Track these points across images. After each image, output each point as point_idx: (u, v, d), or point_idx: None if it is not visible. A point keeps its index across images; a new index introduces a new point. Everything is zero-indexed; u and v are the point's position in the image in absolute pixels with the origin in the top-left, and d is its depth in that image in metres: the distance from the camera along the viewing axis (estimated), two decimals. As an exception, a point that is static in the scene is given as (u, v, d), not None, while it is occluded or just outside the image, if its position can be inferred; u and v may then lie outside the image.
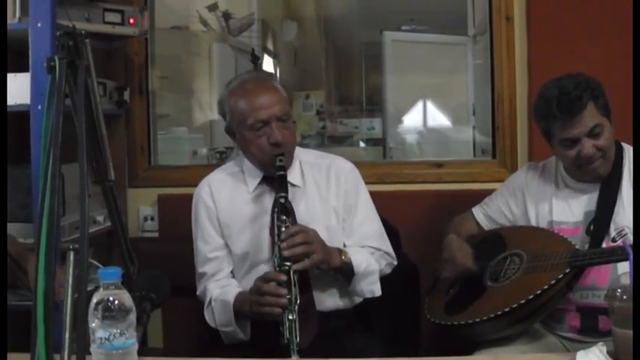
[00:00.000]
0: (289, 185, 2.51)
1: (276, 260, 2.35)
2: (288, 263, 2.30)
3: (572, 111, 2.35)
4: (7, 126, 2.41)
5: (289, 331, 2.23)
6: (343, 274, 2.51)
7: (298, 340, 2.22)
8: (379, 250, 2.62)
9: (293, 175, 2.59)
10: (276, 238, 2.38)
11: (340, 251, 2.50)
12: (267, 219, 2.52)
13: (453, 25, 5.79)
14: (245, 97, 2.49)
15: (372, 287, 2.55)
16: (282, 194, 2.40)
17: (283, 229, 2.35)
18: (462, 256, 2.53)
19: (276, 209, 2.40)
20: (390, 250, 2.67)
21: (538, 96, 2.47)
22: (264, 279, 2.33)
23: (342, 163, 2.73)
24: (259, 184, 2.59)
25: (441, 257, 2.60)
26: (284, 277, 2.29)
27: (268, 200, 2.54)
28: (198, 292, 2.63)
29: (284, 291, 2.26)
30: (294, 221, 2.44)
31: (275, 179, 2.46)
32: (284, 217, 2.37)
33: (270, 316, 2.29)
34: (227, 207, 2.60)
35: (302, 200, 2.59)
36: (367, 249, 2.59)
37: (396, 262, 2.68)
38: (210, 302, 2.54)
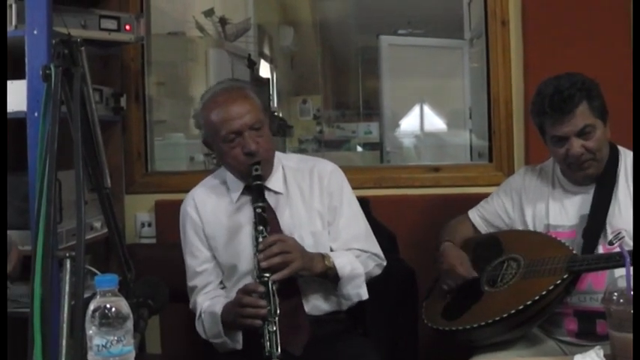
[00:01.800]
0: (272, 193, 2.53)
1: (255, 272, 2.37)
2: (267, 274, 2.31)
3: (564, 109, 2.36)
4: (6, 134, 2.41)
5: (270, 343, 2.23)
6: (329, 278, 2.49)
7: (279, 351, 2.22)
8: (366, 251, 2.60)
9: (275, 182, 2.58)
10: (253, 249, 2.39)
11: (323, 256, 2.49)
12: (249, 229, 2.51)
13: (449, 29, 5.81)
14: (216, 109, 2.48)
15: (358, 290, 2.52)
16: (259, 204, 2.41)
17: (261, 239, 2.36)
18: (461, 266, 2.53)
19: (254, 220, 2.42)
20: (378, 250, 2.64)
21: (535, 92, 2.48)
22: (244, 290, 2.34)
23: (324, 165, 2.71)
24: (242, 194, 2.58)
25: (440, 268, 2.60)
26: (262, 289, 2.29)
27: (250, 210, 2.51)
28: (190, 306, 2.63)
29: (262, 302, 2.27)
30: (275, 230, 2.44)
31: (251, 188, 2.46)
32: (261, 228, 2.38)
33: (252, 327, 2.29)
34: (212, 219, 2.60)
35: (286, 207, 2.58)
36: (353, 251, 2.56)
37: (385, 263, 2.65)
38: (200, 315, 2.55)
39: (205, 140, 2.60)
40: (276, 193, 2.56)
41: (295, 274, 2.39)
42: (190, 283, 2.62)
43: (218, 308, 2.47)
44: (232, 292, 2.51)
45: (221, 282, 2.61)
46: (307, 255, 2.44)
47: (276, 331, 2.24)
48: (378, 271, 2.63)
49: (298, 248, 2.42)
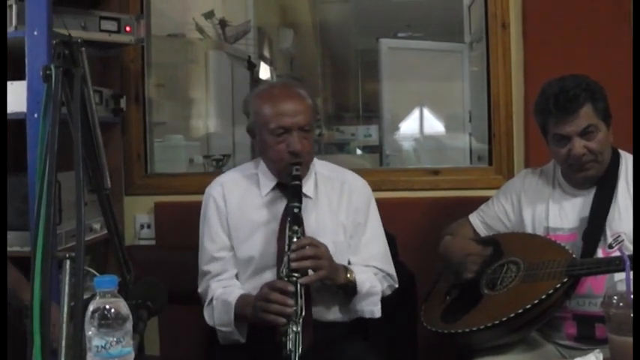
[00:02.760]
0: (302, 195, 2.50)
1: (284, 270, 2.34)
2: (296, 274, 2.30)
3: (568, 108, 2.36)
4: (6, 134, 2.41)
5: (292, 342, 2.22)
6: (346, 291, 2.50)
7: (300, 352, 2.21)
8: (382, 271, 2.61)
9: (307, 186, 2.58)
10: (286, 247, 2.37)
11: (346, 269, 2.50)
12: (276, 226, 2.52)
13: (449, 32, 5.81)
14: (271, 100, 2.50)
15: (372, 308, 2.54)
16: (296, 204, 2.40)
17: (295, 239, 2.35)
18: (470, 265, 2.54)
19: (289, 219, 2.40)
20: (393, 272, 2.66)
21: (540, 91, 2.48)
22: (272, 287, 2.32)
23: (355, 179, 2.72)
24: (272, 189, 2.59)
25: (448, 263, 2.61)
26: (292, 288, 2.28)
27: (280, 207, 2.53)
28: (199, 290, 2.62)
29: (291, 301, 2.26)
30: (304, 232, 2.43)
31: (289, 188, 2.46)
32: (296, 228, 2.36)
33: (274, 324, 2.28)
34: (237, 209, 2.60)
35: (313, 212, 2.58)
36: (371, 269, 2.58)
37: (397, 285, 2.67)
38: (211, 301, 2.53)
39: (250, 128, 2.59)
40: (305, 196, 2.55)
41: (320, 281, 2.40)
42: (204, 267, 2.61)
43: (232, 298, 2.47)
44: (247, 284, 2.53)
45: (236, 274, 2.60)
46: (334, 265, 2.45)
47: (299, 332, 2.23)
48: (388, 292, 2.64)
49: (328, 256, 2.42)
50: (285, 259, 2.34)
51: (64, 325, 1.56)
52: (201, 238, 2.65)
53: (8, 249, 2.47)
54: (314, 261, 2.34)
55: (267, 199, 2.59)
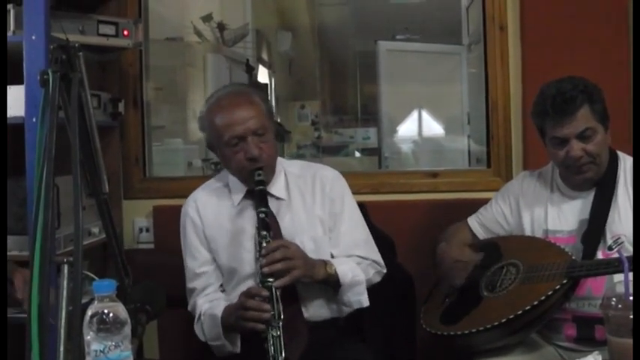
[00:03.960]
0: (274, 198, 2.52)
1: (258, 276, 2.36)
2: (270, 279, 2.30)
3: (566, 111, 2.36)
4: (6, 139, 2.41)
5: (274, 347, 2.23)
6: (330, 285, 2.50)
7: (283, 356, 2.22)
8: (366, 259, 2.60)
9: (277, 188, 2.59)
10: (257, 253, 2.38)
11: (325, 263, 2.49)
12: (250, 233, 2.51)
13: (447, 35, 5.82)
14: (220, 112, 2.48)
15: (359, 298, 2.52)
16: (262, 209, 2.40)
17: (264, 244, 2.35)
18: (458, 271, 2.54)
19: (256, 225, 2.41)
20: (379, 258, 2.64)
21: (538, 93, 2.47)
22: (248, 294, 2.33)
23: (326, 171, 2.71)
24: (243, 198, 2.58)
25: (439, 271, 2.61)
26: (266, 293, 2.28)
27: (252, 214, 2.52)
28: (189, 308, 2.63)
29: (267, 307, 2.26)
30: (276, 235, 2.43)
31: (254, 193, 2.46)
32: (264, 233, 2.36)
33: (254, 331, 2.28)
34: (212, 222, 2.60)
35: (287, 213, 2.58)
36: (354, 258, 2.57)
37: (385, 270, 2.65)
38: (199, 317, 2.54)
39: (209, 143, 2.60)
40: (277, 198, 2.56)
41: (297, 280, 2.39)
42: (190, 285, 2.61)
43: (218, 311, 2.46)
44: (232, 295, 2.52)
45: (221, 285, 2.61)
46: (309, 261, 2.44)
47: (280, 335, 2.24)
48: (377, 279, 2.63)
49: (301, 255, 2.42)
50: (258, 265, 2.36)
51: (62, 330, 1.55)
52: (184, 257, 2.65)
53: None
54: (285, 262, 2.33)
55: (240, 208, 2.59)
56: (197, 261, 2.60)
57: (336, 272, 2.47)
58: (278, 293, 2.29)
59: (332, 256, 2.57)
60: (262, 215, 2.39)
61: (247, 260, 2.51)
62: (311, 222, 2.59)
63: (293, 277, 2.35)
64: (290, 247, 2.39)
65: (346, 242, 2.61)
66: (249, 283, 2.48)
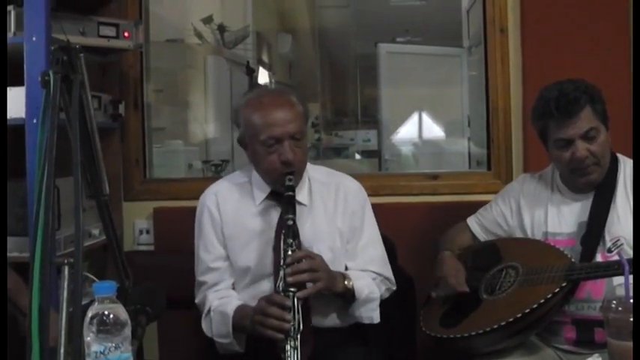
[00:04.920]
0: (297, 203, 2.44)
1: (280, 284, 2.29)
2: (292, 289, 2.26)
3: (570, 111, 2.36)
4: (6, 140, 2.41)
5: (291, 358, 2.18)
6: (344, 298, 2.48)
7: None
8: (380, 275, 2.59)
9: (301, 194, 2.54)
10: (281, 261, 2.32)
11: (344, 276, 2.47)
12: (271, 234, 2.48)
13: (448, 37, 5.83)
14: (260, 110, 2.43)
15: (371, 314, 2.51)
16: (290, 216, 2.34)
17: (290, 252, 2.30)
18: (454, 277, 2.53)
19: (283, 231, 2.35)
20: (391, 275, 2.63)
21: (538, 96, 2.48)
22: (270, 301, 2.28)
23: (350, 183, 2.68)
24: (266, 198, 2.54)
25: (435, 275, 2.61)
26: (289, 303, 2.24)
27: (274, 215, 2.50)
28: (196, 301, 2.60)
29: (289, 317, 2.21)
30: (299, 243, 2.38)
31: (283, 198, 2.41)
32: (290, 240, 2.31)
33: (271, 338, 2.24)
34: (232, 219, 2.56)
35: (308, 219, 2.55)
36: (369, 274, 2.55)
37: (394, 288, 2.65)
38: (208, 312, 2.50)
39: (241, 139, 2.54)
40: (300, 204, 2.50)
41: (318, 293, 2.37)
42: (200, 278, 2.58)
43: (229, 309, 2.44)
44: (243, 294, 2.51)
45: (232, 283, 2.57)
46: (331, 274, 2.41)
47: (298, 347, 2.19)
48: (386, 295, 2.62)
49: (325, 267, 2.38)
50: (282, 273, 2.30)
51: (63, 331, 1.55)
52: (196, 249, 2.62)
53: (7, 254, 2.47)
54: (310, 274, 2.30)
55: (261, 208, 2.55)
56: (211, 255, 2.56)
57: (353, 287, 2.45)
58: (299, 304, 2.25)
59: (346, 268, 2.56)
60: (290, 222, 2.33)
61: (264, 261, 2.48)
62: (330, 231, 2.56)
63: (316, 289, 2.32)
64: (315, 259, 2.36)
65: (363, 257, 2.59)
66: (263, 285, 2.47)
